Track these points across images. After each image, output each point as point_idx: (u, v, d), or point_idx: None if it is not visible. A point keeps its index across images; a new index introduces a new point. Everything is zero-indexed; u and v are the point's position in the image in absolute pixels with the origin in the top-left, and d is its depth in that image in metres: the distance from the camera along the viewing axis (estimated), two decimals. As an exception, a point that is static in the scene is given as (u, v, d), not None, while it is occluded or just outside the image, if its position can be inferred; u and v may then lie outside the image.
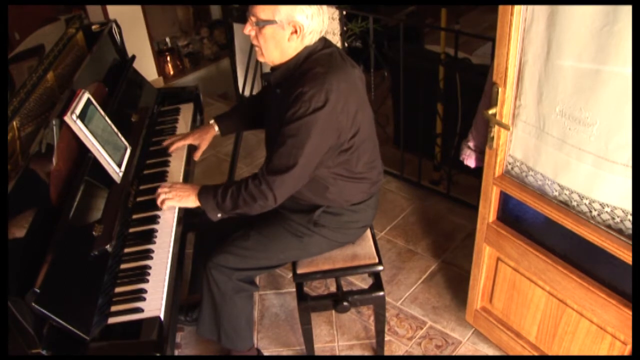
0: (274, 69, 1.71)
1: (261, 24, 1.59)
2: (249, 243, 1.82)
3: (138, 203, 1.84)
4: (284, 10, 1.56)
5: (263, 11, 1.58)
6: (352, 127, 1.66)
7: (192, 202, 1.74)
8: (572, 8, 1.37)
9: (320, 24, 1.62)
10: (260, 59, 1.71)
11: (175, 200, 1.75)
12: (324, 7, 1.62)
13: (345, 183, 1.76)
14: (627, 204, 1.44)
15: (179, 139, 2.08)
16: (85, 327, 1.35)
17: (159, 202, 1.76)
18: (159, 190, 1.78)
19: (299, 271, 1.89)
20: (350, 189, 1.79)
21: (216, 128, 2.07)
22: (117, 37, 2.34)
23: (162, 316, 1.45)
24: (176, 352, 1.84)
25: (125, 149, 1.84)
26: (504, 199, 1.85)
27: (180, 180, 1.95)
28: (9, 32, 3.82)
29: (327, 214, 1.81)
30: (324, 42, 1.68)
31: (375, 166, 1.83)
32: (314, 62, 1.63)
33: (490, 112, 1.69)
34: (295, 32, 1.59)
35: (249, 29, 1.63)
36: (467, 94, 2.70)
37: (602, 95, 1.38)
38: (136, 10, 4.17)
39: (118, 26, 2.36)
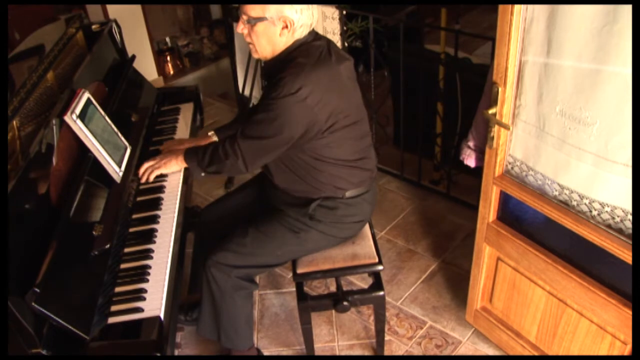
0: (267, 62, 1.77)
1: (252, 22, 1.66)
2: (247, 240, 1.83)
3: (138, 203, 1.84)
4: (273, 7, 1.63)
5: (253, 9, 1.64)
6: (329, 120, 1.68)
7: (176, 164, 1.86)
8: (572, 8, 1.37)
9: (310, 17, 1.67)
10: (255, 56, 1.79)
11: (162, 168, 1.87)
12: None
13: (334, 167, 1.77)
14: (627, 204, 1.44)
15: (175, 143, 2.05)
16: (85, 326, 1.35)
17: (143, 178, 1.86)
18: (143, 165, 1.88)
19: (299, 271, 1.89)
20: (341, 174, 1.79)
21: (215, 139, 2.02)
22: (117, 37, 2.34)
23: (162, 316, 1.45)
24: (176, 352, 1.84)
25: (125, 149, 1.84)
26: (504, 198, 1.85)
27: (180, 180, 1.95)
28: (9, 32, 3.81)
29: (323, 208, 1.82)
30: (315, 34, 1.74)
31: (366, 156, 1.84)
32: (299, 52, 1.69)
33: (490, 111, 1.69)
34: (286, 26, 1.65)
35: (241, 27, 1.71)
36: (467, 94, 2.70)
37: (602, 95, 1.38)
38: (136, 10, 4.17)
39: (118, 26, 2.36)
